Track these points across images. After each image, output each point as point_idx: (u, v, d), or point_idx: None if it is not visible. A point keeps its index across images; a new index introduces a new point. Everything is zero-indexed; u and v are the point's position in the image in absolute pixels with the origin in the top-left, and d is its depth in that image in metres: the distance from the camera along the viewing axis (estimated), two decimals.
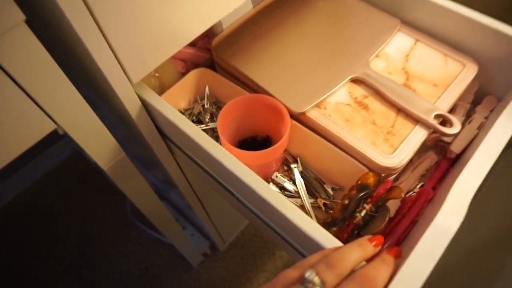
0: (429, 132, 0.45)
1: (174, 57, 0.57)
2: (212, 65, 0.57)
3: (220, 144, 0.41)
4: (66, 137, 0.86)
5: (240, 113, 0.49)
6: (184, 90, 0.55)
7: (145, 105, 0.44)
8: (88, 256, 1.11)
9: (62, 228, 1.16)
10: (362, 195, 0.39)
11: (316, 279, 0.26)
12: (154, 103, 0.42)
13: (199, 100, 0.56)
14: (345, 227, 0.39)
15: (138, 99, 0.43)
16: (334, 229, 0.38)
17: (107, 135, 0.44)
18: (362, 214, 0.39)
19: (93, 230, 1.15)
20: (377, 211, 0.40)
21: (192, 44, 0.60)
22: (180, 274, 1.06)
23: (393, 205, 0.44)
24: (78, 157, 1.28)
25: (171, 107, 0.42)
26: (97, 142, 0.43)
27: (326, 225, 0.39)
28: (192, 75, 0.54)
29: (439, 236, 0.32)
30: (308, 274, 0.26)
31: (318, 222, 0.39)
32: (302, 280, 0.26)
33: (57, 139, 1.23)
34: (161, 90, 0.54)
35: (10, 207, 1.21)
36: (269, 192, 0.36)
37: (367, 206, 0.40)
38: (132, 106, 0.43)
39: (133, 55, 0.38)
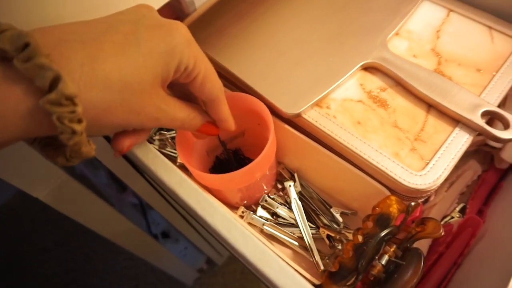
0: (474, 135, 0.32)
1: None
2: None
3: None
4: None
5: None
6: None
7: None
8: (75, 272, 1.01)
9: (47, 242, 1.07)
10: (384, 235, 0.27)
11: None
12: None
13: None
14: (359, 283, 0.27)
15: None
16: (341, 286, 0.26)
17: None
18: (384, 261, 0.27)
19: (81, 243, 1.05)
20: (404, 255, 0.28)
21: None
22: None
23: (422, 240, 0.32)
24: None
25: None
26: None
27: (331, 278, 0.27)
28: None
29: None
30: None
31: (319, 276, 0.27)
32: None
33: None
34: None
35: None
36: (242, 239, 0.24)
37: (391, 249, 0.27)
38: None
39: None
